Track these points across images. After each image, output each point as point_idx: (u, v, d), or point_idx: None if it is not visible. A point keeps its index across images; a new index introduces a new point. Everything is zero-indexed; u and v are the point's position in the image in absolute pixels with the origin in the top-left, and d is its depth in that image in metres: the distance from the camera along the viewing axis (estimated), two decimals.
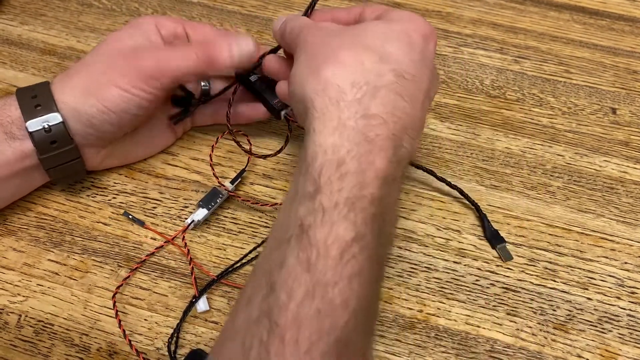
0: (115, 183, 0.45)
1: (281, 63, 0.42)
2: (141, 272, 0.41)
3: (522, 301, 0.40)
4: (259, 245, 0.42)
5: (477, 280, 0.41)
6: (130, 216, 0.43)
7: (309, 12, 0.41)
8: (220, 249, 0.42)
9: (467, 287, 0.41)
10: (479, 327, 0.39)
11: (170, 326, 0.38)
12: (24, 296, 0.39)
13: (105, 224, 0.43)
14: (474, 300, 0.40)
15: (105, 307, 0.39)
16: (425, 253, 0.42)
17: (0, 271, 0.40)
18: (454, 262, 0.42)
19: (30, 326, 0.38)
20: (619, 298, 0.40)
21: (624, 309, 0.40)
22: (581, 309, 0.40)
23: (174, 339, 0.38)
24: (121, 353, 0.37)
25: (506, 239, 0.43)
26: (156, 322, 0.39)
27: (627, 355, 0.38)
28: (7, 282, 0.40)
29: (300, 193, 0.30)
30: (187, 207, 0.44)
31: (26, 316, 0.38)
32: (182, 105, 0.45)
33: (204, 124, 0.48)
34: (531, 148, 0.48)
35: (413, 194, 0.45)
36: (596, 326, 0.39)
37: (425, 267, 0.42)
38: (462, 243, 0.43)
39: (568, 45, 0.56)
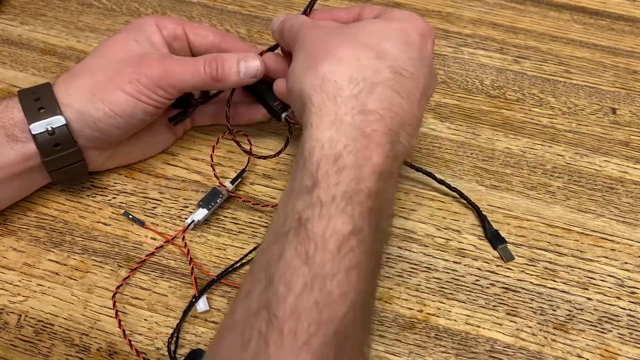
0: (115, 183, 0.45)
1: (279, 61, 0.42)
2: (141, 272, 0.41)
3: (522, 301, 0.40)
4: (259, 245, 0.42)
5: (477, 280, 0.41)
6: (130, 216, 0.43)
7: (308, 11, 0.41)
8: (220, 249, 0.42)
9: (467, 287, 0.41)
10: (479, 327, 0.39)
11: (170, 326, 0.38)
12: (24, 296, 0.39)
13: (105, 224, 0.43)
14: (474, 300, 0.40)
15: (105, 307, 0.39)
16: (425, 253, 0.42)
17: (0, 271, 0.40)
18: (454, 262, 0.42)
19: (30, 326, 0.38)
20: (619, 298, 0.40)
21: (624, 309, 0.40)
22: (581, 309, 0.40)
23: (174, 339, 0.38)
24: (121, 353, 0.37)
25: (506, 239, 0.43)
26: (156, 322, 0.39)
27: (627, 355, 0.38)
28: (7, 282, 0.40)
29: (298, 187, 0.30)
30: (187, 207, 0.44)
31: (26, 316, 0.39)
32: (181, 106, 0.45)
33: (204, 124, 0.48)
34: (531, 148, 0.48)
35: (413, 194, 0.45)
36: (596, 326, 0.39)
37: (425, 267, 0.42)
38: (462, 243, 0.43)
39: (568, 45, 0.56)
